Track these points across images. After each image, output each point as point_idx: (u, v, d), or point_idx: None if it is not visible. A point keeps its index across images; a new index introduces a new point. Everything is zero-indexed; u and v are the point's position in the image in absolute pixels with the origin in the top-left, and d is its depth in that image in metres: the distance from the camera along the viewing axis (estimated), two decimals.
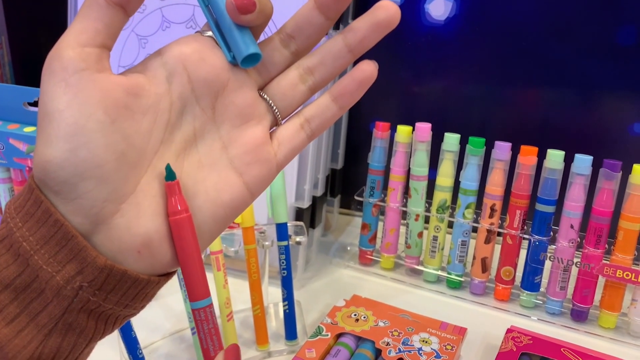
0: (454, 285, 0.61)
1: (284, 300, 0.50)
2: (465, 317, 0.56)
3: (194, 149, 0.27)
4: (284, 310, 0.50)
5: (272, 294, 0.55)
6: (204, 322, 0.25)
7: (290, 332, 0.50)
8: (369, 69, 0.28)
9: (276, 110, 0.28)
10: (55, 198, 0.23)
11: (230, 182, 0.27)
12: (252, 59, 0.25)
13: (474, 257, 0.59)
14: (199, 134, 0.27)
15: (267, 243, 0.50)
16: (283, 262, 0.49)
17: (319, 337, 0.48)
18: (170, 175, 0.24)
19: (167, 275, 0.26)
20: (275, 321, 0.54)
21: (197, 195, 0.26)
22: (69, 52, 0.23)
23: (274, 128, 0.28)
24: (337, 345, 0.47)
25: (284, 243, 0.49)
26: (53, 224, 0.23)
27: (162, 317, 0.53)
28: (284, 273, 0.49)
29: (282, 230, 0.49)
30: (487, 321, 0.56)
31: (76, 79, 0.23)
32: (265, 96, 0.27)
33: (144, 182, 0.25)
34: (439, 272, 0.61)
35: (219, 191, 0.27)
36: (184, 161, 0.27)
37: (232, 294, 0.51)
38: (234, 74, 0.27)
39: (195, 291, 0.25)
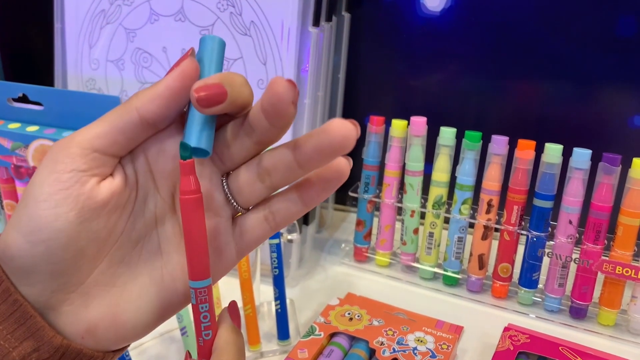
0: (451, 283, 0.60)
1: (275, 299, 0.49)
2: (461, 315, 0.55)
3: (154, 235, 0.26)
4: (276, 310, 0.49)
5: (265, 292, 0.54)
6: (204, 303, 0.24)
7: (283, 331, 0.49)
8: (340, 169, 0.25)
9: (234, 203, 0.26)
10: (12, 277, 0.24)
11: (186, 270, 0.26)
12: (200, 152, 0.24)
13: (471, 254, 0.58)
14: (160, 221, 0.26)
15: None
16: (275, 261, 0.48)
17: (311, 336, 0.47)
18: (185, 153, 0.23)
19: (121, 349, 0.26)
20: (267, 320, 0.53)
21: (153, 280, 0.26)
22: (77, 150, 0.23)
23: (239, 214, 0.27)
24: (330, 345, 0.46)
25: (276, 241, 0.48)
26: (12, 302, 0.23)
27: None
28: (275, 272, 0.48)
29: None
30: (484, 319, 0.55)
31: (69, 177, 0.23)
32: (226, 188, 0.26)
33: (98, 271, 0.25)
34: (435, 269, 0.60)
35: (174, 280, 0.26)
36: (143, 248, 0.26)
37: (223, 294, 0.51)
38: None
39: (197, 271, 0.24)
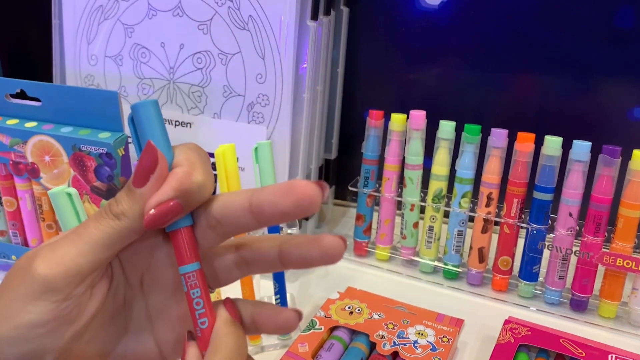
0: (451, 276, 0.60)
1: (275, 294, 0.49)
2: (462, 308, 0.54)
3: (122, 318, 0.26)
4: (276, 304, 0.49)
5: (265, 287, 0.54)
6: (194, 289, 0.24)
7: None
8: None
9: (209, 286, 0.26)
10: None
11: (151, 352, 0.26)
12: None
13: (471, 247, 0.58)
14: (128, 304, 0.26)
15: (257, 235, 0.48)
16: None
17: (312, 330, 0.47)
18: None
19: None
20: None
21: None
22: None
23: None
24: (331, 339, 0.46)
25: None
26: None
27: None
28: None
29: None
30: (484, 312, 0.54)
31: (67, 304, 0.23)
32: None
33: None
34: (436, 263, 0.60)
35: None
36: (110, 327, 0.26)
37: (223, 289, 0.50)
38: (160, 251, 0.25)
39: (184, 255, 0.24)
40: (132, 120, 0.24)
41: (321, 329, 0.47)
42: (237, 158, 0.52)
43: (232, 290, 0.51)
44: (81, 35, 0.61)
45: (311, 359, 0.43)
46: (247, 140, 0.47)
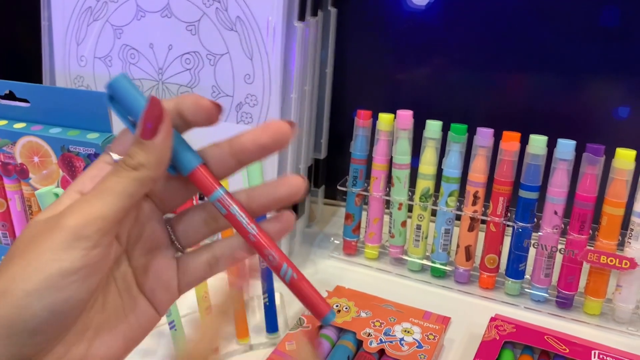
0: (439, 274, 0.60)
1: (264, 292, 0.49)
2: (449, 306, 0.55)
3: (111, 280, 0.27)
4: (264, 303, 0.49)
5: (253, 286, 0.54)
6: (231, 206, 0.26)
7: (271, 324, 0.49)
8: (288, 222, 0.28)
9: (177, 244, 0.28)
10: None
11: (141, 307, 0.27)
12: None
13: (458, 246, 0.58)
14: (115, 265, 0.27)
15: None
16: None
17: (300, 329, 0.47)
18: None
19: None
20: (258, 314, 0.53)
21: (109, 322, 0.26)
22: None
23: (180, 254, 0.28)
24: (319, 337, 0.47)
25: None
26: None
27: None
28: (263, 265, 0.49)
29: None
30: (471, 310, 0.55)
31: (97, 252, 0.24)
32: (170, 229, 0.27)
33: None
34: (423, 261, 0.61)
35: (127, 314, 0.27)
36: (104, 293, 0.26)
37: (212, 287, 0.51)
38: (144, 207, 0.27)
39: (206, 184, 0.26)
40: (110, 98, 0.25)
41: (309, 327, 0.47)
42: None
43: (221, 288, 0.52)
44: (70, 36, 0.61)
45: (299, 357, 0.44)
46: None
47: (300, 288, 0.28)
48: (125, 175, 0.24)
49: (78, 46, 0.62)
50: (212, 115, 0.26)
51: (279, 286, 0.57)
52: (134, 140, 0.24)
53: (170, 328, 0.45)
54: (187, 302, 0.50)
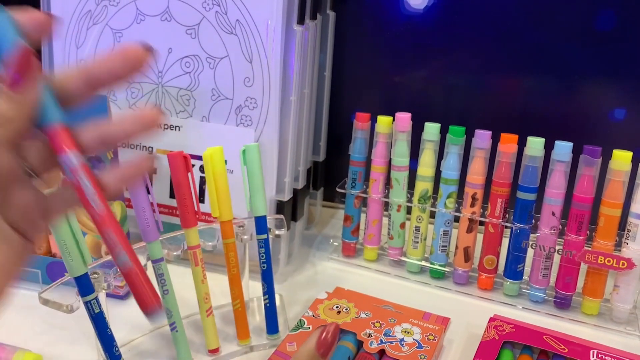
0: (437, 276, 0.60)
1: (264, 294, 0.49)
2: (448, 307, 0.55)
3: None
4: (265, 304, 0.49)
5: (254, 288, 0.55)
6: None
7: (272, 326, 0.49)
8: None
9: (31, 172, 0.27)
10: None
11: (8, 235, 0.26)
12: None
13: (457, 247, 0.59)
14: None
15: (245, 237, 0.49)
16: (263, 256, 0.49)
17: (300, 330, 0.47)
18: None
19: None
20: (257, 315, 0.54)
21: None
22: None
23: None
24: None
25: (263, 236, 0.49)
26: None
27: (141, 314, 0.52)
28: (263, 267, 0.49)
29: (261, 224, 0.49)
30: (470, 310, 0.55)
31: None
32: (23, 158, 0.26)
33: None
34: (422, 263, 0.61)
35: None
36: None
37: (213, 289, 0.51)
38: None
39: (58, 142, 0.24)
40: None
41: (309, 328, 0.48)
42: (225, 160, 0.52)
43: (223, 290, 0.52)
44: (70, 40, 0.62)
45: None
46: (235, 142, 0.48)
47: (130, 276, 0.25)
48: None
49: (77, 50, 0.62)
50: (46, 28, 0.25)
51: (279, 287, 0.57)
52: (2, 94, 0.23)
53: (172, 330, 0.45)
54: (188, 303, 0.50)
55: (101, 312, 0.38)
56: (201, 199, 0.58)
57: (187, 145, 0.57)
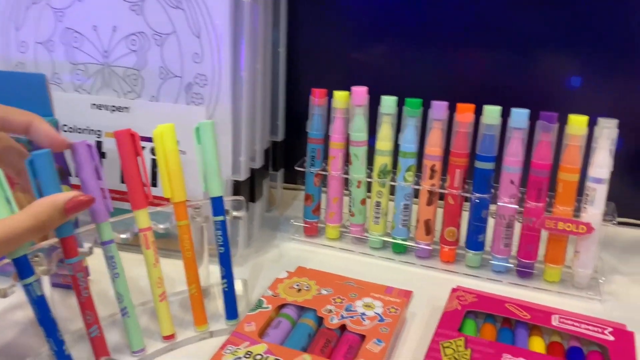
0: (400, 250, 0.60)
1: (222, 278, 0.47)
2: (412, 280, 0.55)
3: None
4: (223, 289, 0.48)
5: (214, 272, 0.53)
6: None
7: (231, 311, 0.48)
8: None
9: None
10: None
11: None
12: None
13: (417, 220, 0.58)
14: None
15: (199, 219, 0.47)
16: (220, 239, 0.47)
17: (259, 310, 0.46)
18: None
19: None
20: (219, 301, 0.52)
21: None
22: None
23: None
24: (279, 317, 0.46)
25: (220, 218, 0.47)
26: None
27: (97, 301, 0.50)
28: (221, 250, 0.47)
29: (217, 205, 0.47)
30: (434, 283, 0.55)
31: None
32: None
33: None
34: (384, 238, 0.60)
35: None
36: None
37: (172, 276, 0.49)
38: None
39: None
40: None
41: (268, 307, 0.46)
42: (178, 141, 0.50)
43: (178, 275, 0.50)
44: (8, 21, 0.59)
45: (258, 338, 0.43)
46: (187, 122, 0.46)
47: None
48: None
49: (17, 31, 0.59)
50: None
51: (241, 271, 0.56)
52: None
53: (123, 315, 0.43)
54: (140, 288, 0.48)
55: (43, 297, 0.36)
56: (155, 183, 0.56)
57: (136, 127, 0.54)
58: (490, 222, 0.56)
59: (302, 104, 0.61)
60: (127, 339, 0.44)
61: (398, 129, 0.57)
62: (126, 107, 0.56)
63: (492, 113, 0.52)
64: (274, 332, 0.44)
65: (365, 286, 0.51)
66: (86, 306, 0.40)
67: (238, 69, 0.53)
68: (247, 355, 0.40)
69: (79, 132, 0.58)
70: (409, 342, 0.46)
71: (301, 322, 0.45)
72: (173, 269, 0.49)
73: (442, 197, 0.57)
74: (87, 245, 0.42)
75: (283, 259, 0.59)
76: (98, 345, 0.41)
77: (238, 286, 0.52)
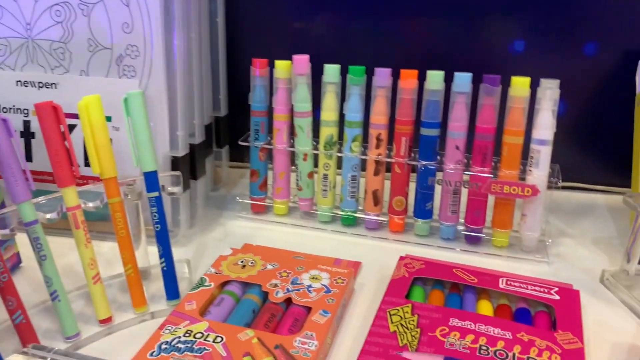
0: (349, 223, 0.59)
1: (160, 257, 0.45)
2: (361, 252, 0.54)
3: None
4: (162, 268, 0.45)
5: (153, 253, 0.50)
6: None
7: (171, 291, 0.46)
8: None
9: None
10: None
11: None
12: None
13: (366, 192, 0.57)
14: None
15: (130, 196, 0.45)
16: (155, 216, 0.45)
17: (201, 288, 0.44)
18: None
19: None
20: (160, 282, 0.50)
21: None
22: None
23: None
24: (222, 294, 0.44)
25: (155, 194, 0.44)
26: None
27: (28, 288, 0.47)
28: (157, 227, 0.45)
29: (151, 180, 0.44)
30: (383, 254, 0.54)
31: None
32: None
33: None
34: (333, 212, 0.59)
35: None
36: None
37: (106, 254, 0.47)
38: None
39: None
40: None
41: (211, 285, 0.44)
42: (110, 117, 0.48)
43: (114, 255, 0.48)
44: None
45: (199, 316, 0.41)
46: (120, 96, 0.43)
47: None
48: None
49: None
50: None
51: (184, 251, 0.54)
52: None
53: (53, 300, 0.41)
54: (76, 273, 0.46)
55: None
56: (87, 162, 0.53)
57: (66, 104, 0.51)
58: (438, 190, 0.55)
59: (246, 77, 0.59)
60: (59, 324, 0.41)
61: (343, 98, 0.55)
62: (54, 83, 0.53)
63: (435, 78, 0.51)
64: (216, 309, 0.42)
65: (313, 259, 0.50)
66: (7, 291, 0.37)
67: (171, 38, 0.51)
68: (187, 334, 0.38)
69: (4, 112, 0.54)
70: (357, 312, 0.45)
71: (245, 298, 0.44)
72: (112, 251, 0.47)
73: (389, 167, 0.56)
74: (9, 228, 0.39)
75: (229, 237, 0.57)
76: (24, 332, 0.38)
77: (181, 266, 0.50)
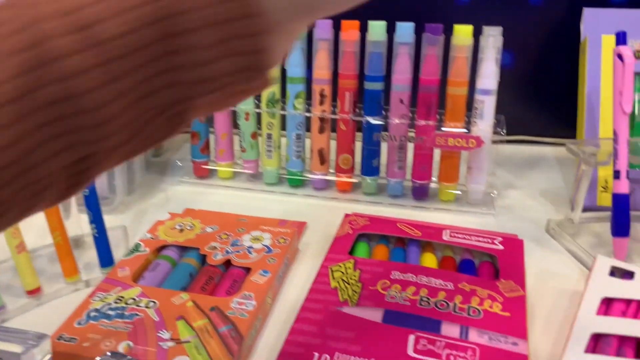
0: (295, 183, 0.57)
1: (91, 222, 0.43)
2: (309, 213, 0.52)
3: None
4: (93, 235, 0.43)
5: (85, 220, 0.48)
6: None
7: (105, 258, 0.44)
8: None
9: None
10: None
11: None
12: None
13: (312, 150, 0.55)
14: None
15: None
16: None
17: (135, 254, 0.42)
18: None
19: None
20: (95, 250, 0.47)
21: None
22: None
23: None
24: (157, 259, 0.42)
25: None
26: None
27: None
28: (85, 192, 0.42)
29: None
30: (330, 214, 0.52)
31: None
32: None
33: None
34: (279, 173, 0.57)
35: None
36: None
37: (31, 221, 0.44)
38: None
39: None
40: None
41: (146, 251, 0.42)
42: None
43: (40, 222, 0.45)
44: None
45: (132, 282, 0.39)
46: None
47: None
48: None
49: None
50: None
51: (122, 218, 0.51)
52: None
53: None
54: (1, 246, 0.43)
55: None
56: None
57: None
58: (384, 146, 0.54)
59: None
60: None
61: None
62: None
63: (377, 29, 0.50)
64: (151, 274, 0.40)
65: (256, 221, 0.48)
66: None
67: None
68: (118, 301, 0.37)
69: None
70: (300, 271, 0.44)
71: (182, 262, 0.42)
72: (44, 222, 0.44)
73: (335, 125, 0.54)
74: None
75: (170, 203, 0.55)
76: None
77: (118, 233, 0.48)
